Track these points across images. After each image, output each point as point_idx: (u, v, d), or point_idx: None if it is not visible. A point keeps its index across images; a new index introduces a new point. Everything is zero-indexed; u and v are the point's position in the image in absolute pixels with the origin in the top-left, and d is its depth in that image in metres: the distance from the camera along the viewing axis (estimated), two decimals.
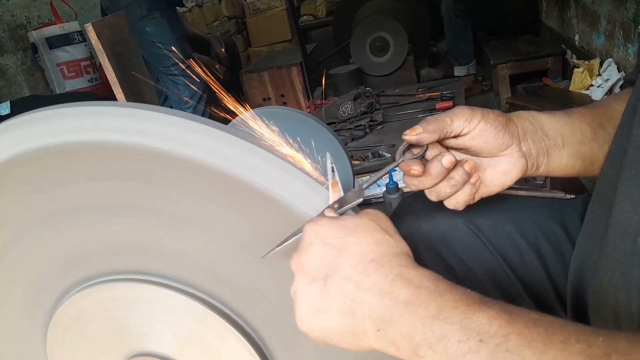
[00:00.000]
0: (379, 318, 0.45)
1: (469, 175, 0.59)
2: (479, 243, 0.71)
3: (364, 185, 0.59)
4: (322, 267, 0.49)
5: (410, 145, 0.61)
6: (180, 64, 2.66)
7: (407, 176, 0.59)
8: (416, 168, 0.57)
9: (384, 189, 1.70)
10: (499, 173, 0.61)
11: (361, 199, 0.56)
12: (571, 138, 0.62)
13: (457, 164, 0.58)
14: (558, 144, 0.61)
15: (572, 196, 0.73)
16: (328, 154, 0.59)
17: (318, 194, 0.57)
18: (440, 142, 0.61)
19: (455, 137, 0.60)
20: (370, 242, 0.49)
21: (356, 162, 2.10)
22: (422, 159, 0.60)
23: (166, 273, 0.67)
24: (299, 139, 0.65)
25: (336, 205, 0.56)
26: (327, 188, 0.58)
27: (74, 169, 0.62)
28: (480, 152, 0.60)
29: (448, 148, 0.62)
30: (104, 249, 0.68)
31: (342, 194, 0.57)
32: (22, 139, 0.61)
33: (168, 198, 0.61)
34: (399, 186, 1.67)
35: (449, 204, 0.61)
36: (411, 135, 0.58)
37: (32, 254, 0.70)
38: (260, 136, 0.63)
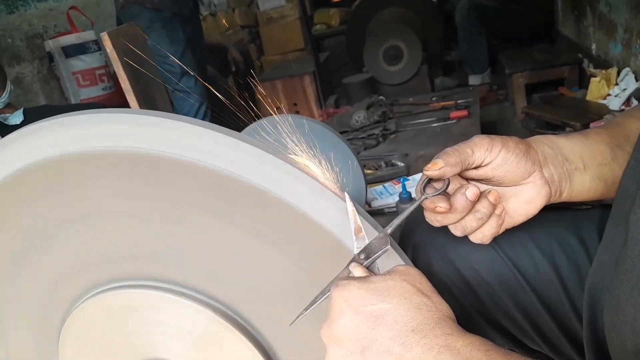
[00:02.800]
0: None
1: (494, 206, 0.57)
2: (493, 253, 0.69)
3: (389, 230, 0.56)
4: (357, 338, 0.46)
5: (430, 180, 0.58)
6: (185, 75, 2.66)
7: (431, 213, 0.57)
8: (442, 205, 0.55)
9: (397, 198, 1.69)
10: (523, 202, 0.59)
11: (388, 247, 0.54)
12: (591, 160, 0.60)
13: (480, 195, 0.56)
14: (579, 167, 0.60)
15: (589, 207, 0.72)
16: (347, 195, 0.55)
17: (331, 202, 0.56)
18: (460, 174, 0.59)
19: (476, 167, 0.58)
20: (408, 307, 0.46)
21: (369, 171, 2.09)
22: (446, 194, 0.57)
23: (174, 279, 0.67)
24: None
25: (362, 256, 0.53)
26: (351, 235, 0.54)
27: (90, 176, 0.62)
28: (502, 182, 0.59)
29: (468, 180, 0.60)
30: (115, 256, 0.68)
31: (366, 241, 0.54)
32: (50, 143, 0.61)
33: (179, 205, 0.61)
34: (412, 196, 1.65)
35: (475, 238, 0.59)
36: (433, 170, 0.55)
37: (44, 261, 0.70)
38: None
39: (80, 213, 0.65)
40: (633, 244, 0.49)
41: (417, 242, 0.73)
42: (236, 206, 0.59)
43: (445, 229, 0.64)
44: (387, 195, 1.79)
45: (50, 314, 0.75)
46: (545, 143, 0.60)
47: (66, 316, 0.73)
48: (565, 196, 0.61)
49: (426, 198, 0.56)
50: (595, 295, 0.61)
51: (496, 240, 0.69)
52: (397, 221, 0.56)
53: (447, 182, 0.58)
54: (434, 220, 0.58)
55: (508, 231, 0.69)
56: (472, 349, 0.43)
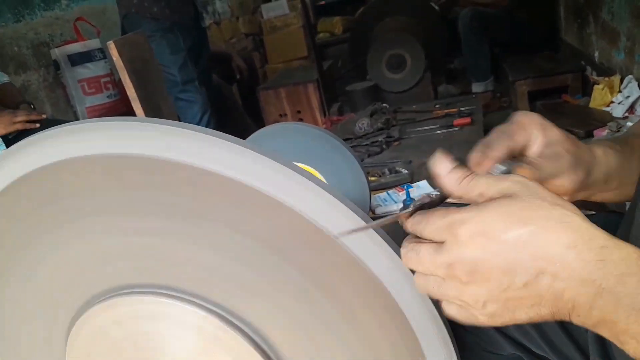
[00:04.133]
0: (579, 306, 0.41)
1: None
2: None
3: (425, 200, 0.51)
4: (503, 267, 0.42)
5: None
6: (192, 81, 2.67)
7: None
8: None
9: (401, 205, 1.69)
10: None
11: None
12: (625, 180, 0.60)
13: None
14: (611, 187, 0.60)
15: (592, 212, 0.72)
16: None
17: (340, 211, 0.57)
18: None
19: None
20: (556, 226, 0.42)
21: (372, 178, 2.09)
22: None
23: (181, 286, 0.67)
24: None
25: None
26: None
27: (107, 179, 0.62)
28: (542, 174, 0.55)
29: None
30: (125, 261, 0.68)
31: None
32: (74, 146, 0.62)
33: (188, 211, 0.61)
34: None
35: None
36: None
37: (53, 264, 0.71)
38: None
39: (87, 219, 0.66)
40: (633, 242, 0.50)
41: None
42: (245, 213, 0.60)
43: None
44: (391, 202, 1.80)
45: (58, 319, 0.75)
46: (597, 154, 0.58)
47: (75, 320, 0.73)
48: (578, 197, 0.60)
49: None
50: None
51: None
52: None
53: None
54: None
55: None
56: (630, 263, 0.40)
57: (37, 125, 2.16)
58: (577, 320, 0.42)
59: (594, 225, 0.43)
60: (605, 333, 0.42)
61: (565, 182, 0.55)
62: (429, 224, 0.45)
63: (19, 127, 2.15)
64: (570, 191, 0.56)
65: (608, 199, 0.61)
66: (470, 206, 0.45)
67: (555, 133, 0.54)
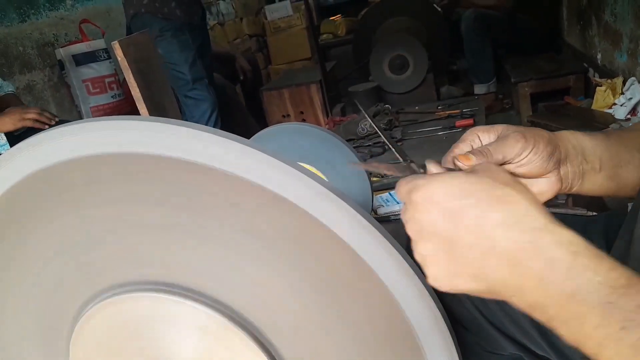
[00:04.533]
0: (512, 286, 0.43)
1: None
2: None
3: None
4: (443, 235, 0.45)
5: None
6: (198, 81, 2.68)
7: None
8: None
9: (403, 205, 1.70)
10: (535, 193, 0.59)
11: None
12: (609, 162, 0.61)
13: None
14: (595, 167, 0.61)
15: (594, 213, 0.73)
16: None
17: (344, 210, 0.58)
18: None
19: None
20: (490, 201, 0.44)
21: (375, 179, 2.10)
22: None
23: (185, 284, 0.68)
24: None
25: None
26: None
27: (111, 177, 0.63)
28: (522, 176, 0.59)
29: None
30: (130, 260, 0.69)
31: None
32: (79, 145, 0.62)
33: (196, 212, 0.62)
34: None
35: None
36: (465, 164, 0.56)
37: (57, 262, 0.72)
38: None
39: (92, 217, 0.67)
40: (636, 244, 0.50)
41: None
42: (252, 212, 0.61)
43: None
44: (392, 202, 1.80)
45: (61, 316, 0.76)
46: (571, 141, 0.60)
47: (78, 319, 0.74)
48: (575, 191, 0.62)
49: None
50: None
51: None
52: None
53: None
54: None
55: None
56: (561, 248, 0.41)
57: (46, 126, 2.13)
58: (514, 301, 0.43)
59: (538, 208, 0.44)
60: (540, 317, 0.42)
61: (544, 171, 0.58)
62: (399, 190, 0.51)
63: (28, 124, 2.13)
64: (544, 169, 0.58)
65: (604, 189, 0.62)
66: (427, 175, 0.51)
67: (529, 147, 0.57)
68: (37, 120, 2.14)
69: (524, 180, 0.60)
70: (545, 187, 0.60)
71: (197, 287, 0.67)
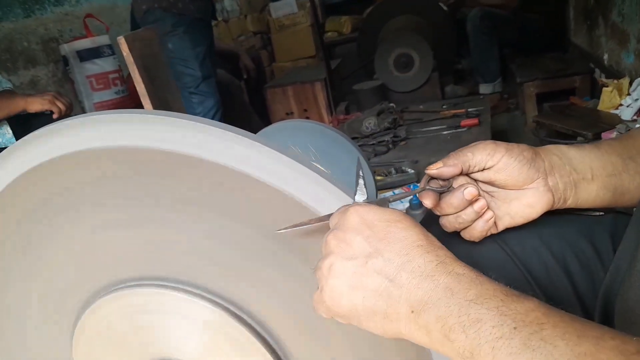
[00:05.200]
0: (416, 300, 0.45)
1: (478, 214, 0.61)
2: (505, 257, 0.70)
3: (390, 199, 0.60)
4: (365, 246, 0.49)
5: (432, 178, 0.64)
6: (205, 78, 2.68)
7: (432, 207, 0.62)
8: (427, 202, 0.61)
9: (407, 204, 1.69)
10: (525, 206, 0.62)
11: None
12: (601, 170, 0.62)
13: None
14: (587, 177, 0.62)
15: (601, 213, 0.72)
16: (359, 159, 0.60)
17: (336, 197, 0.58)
18: (468, 175, 0.63)
19: (480, 170, 0.62)
20: (418, 232, 0.50)
21: (379, 178, 2.10)
22: (445, 192, 0.63)
23: (187, 279, 0.67)
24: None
25: None
26: (355, 193, 0.58)
27: (112, 172, 0.63)
28: (505, 185, 0.62)
29: (476, 181, 0.64)
30: (132, 255, 0.68)
31: (367, 196, 0.58)
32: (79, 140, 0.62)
33: (196, 205, 0.62)
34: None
35: (464, 236, 0.64)
36: (432, 169, 0.62)
37: (60, 256, 0.71)
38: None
39: (94, 211, 0.66)
40: None
41: None
42: (253, 206, 0.60)
43: (458, 234, 0.65)
44: (397, 201, 1.80)
45: (66, 310, 0.76)
46: (555, 153, 0.63)
47: (81, 313, 0.74)
48: (570, 203, 0.63)
49: (423, 190, 0.63)
50: (609, 300, 0.61)
51: (508, 245, 0.70)
52: (399, 196, 0.64)
53: (449, 182, 0.63)
54: (434, 210, 0.63)
55: (520, 236, 0.70)
56: (465, 269, 0.46)
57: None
58: (411, 318, 0.46)
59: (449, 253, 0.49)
60: (435, 335, 0.44)
61: (526, 178, 0.61)
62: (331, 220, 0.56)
63: (54, 109, 2.22)
64: (526, 175, 0.60)
65: (600, 199, 0.63)
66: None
67: (501, 150, 0.61)
68: (59, 109, 2.23)
69: (512, 193, 0.63)
70: (533, 198, 0.62)
71: (202, 283, 0.67)
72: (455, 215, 0.61)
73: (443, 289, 0.45)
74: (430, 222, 0.76)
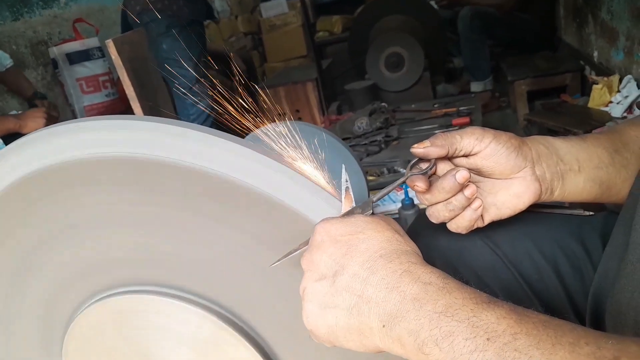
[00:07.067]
0: (385, 313, 0.45)
1: (469, 200, 0.58)
2: (496, 259, 0.69)
3: (374, 198, 0.58)
4: (331, 264, 0.49)
5: (420, 160, 0.61)
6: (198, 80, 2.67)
7: (418, 192, 0.59)
8: (419, 185, 0.58)
9: (400, 204, 1.69)
10: (512, 196, 0.60)
11: (371, 211, 0.57)
12: (587, 162, 0.61)
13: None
14: (574, 168, 0.61)
15: (591, 213, 0.72)
16: (344, 168, 0.59)
17: (329, 204, 0.57)
18: (451, 160, 0.61)
19: (466, 156, 0.59)
20: (380, 239, 0.49)
21: (371, 178, 2.09)
22: (428, 175, 0.60)
23: (178, 284, 0.67)
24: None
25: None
26: (341, 200, 0.58)
27: (92, 182, 0.62)
28: (492, 174, 0.60)
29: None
30: (121, 261, 0.68)
31: (354, 204, 0.57)
32: (54, 150, 0.61)
33: (184, 211, 0.61)
34: (415, 202, 1.65)
35: (450, 227, 0.61)
36: (419, 148, 0.59)
37: (52, 263, 0.71)
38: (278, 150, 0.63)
39: (83, 219, 0.66)
40: (634, 248, 0.50)
41: (420, 246, 0.74)
42: (240, 211, 0.60)
43: (449, 234, 0.65)
44: (389, 201, 1.80)
45: (55, 317, 0.75)
46: (541, 142, 0.61)
47: (70, 320, 0.73)
48: (557, 195, 0.62)
49: (410, 176, 0.59)
50: (599, 301, 0.61)
51: (499, 246, 0.70)
52: (384, 191, 0.59)
53: (432, 163, 0.60)
54: (423, 198, 0.60)
55: (511, 237, 0.70)
56: (432, 276, 0.45)
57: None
58: (384, 332, 0.45)
59: (415, 251, 0.49)
60: (410, 348, 0.44)
61: (514, 166, 0.59)
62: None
63: (49, 124, 2.21)
64: (514, 163, 0.59)
65: (587, 191, 0.62)
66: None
67: (489, 136, 0.59)
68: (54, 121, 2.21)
69: (499, 183, 0.61)
70: (520, 188, 0.60)
71: (192, 288, 0.67)
72: (445, 202, 0.58)
73: (410, 300, 0.44)
74: (418, 230, 0.76)
